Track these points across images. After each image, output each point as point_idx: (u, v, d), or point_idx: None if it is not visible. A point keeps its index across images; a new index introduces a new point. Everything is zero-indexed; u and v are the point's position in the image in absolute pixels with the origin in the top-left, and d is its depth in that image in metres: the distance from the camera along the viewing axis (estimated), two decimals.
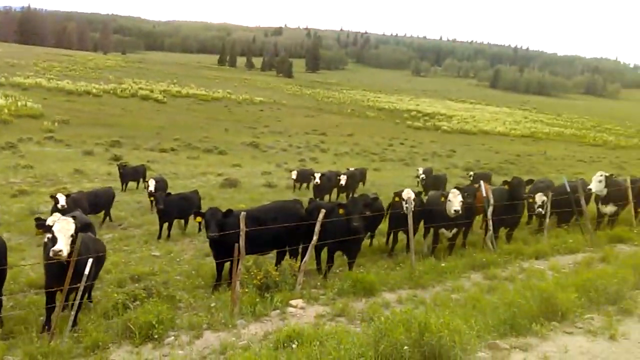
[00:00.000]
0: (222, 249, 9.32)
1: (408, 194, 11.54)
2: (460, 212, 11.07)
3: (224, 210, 9.63)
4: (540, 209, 13.05)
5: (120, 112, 65.10)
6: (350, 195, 21.38)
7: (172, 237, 14.61)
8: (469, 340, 5.09)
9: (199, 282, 9.76)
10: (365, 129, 78.02)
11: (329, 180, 22.26)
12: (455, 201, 10.93)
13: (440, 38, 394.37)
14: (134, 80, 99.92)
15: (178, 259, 11.85)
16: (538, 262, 10.75)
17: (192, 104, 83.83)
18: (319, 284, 9.54)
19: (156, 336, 6.79)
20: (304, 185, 26.41)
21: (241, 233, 8.24)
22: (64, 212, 12.77)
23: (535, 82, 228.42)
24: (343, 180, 21.93)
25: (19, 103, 56.71)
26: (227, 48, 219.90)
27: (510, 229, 13.03)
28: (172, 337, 6.88)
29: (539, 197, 13.12)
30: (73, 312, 7.22)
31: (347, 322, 7.22)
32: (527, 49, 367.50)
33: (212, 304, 8.21)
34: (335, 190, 23.17)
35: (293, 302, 8.09)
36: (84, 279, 7.09)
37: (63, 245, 7.02)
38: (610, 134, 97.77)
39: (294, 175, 25.78)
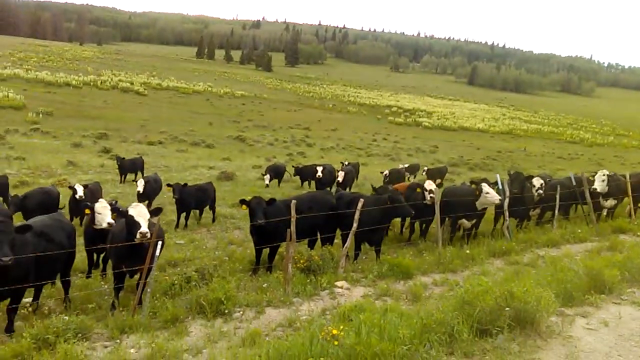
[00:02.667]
0: (264, 235, 9.82)
1: (430, 185, 12.01)
2: (499, 203, 11.89)
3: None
4: (540, 191, 13.54)
5: (102, 104, 64.47)
6: (348, 189, 21.70)
7: (189, 226, 14.89)
8: (547, 305, 5.82)
9: (235, 266, 10.11)
10: (347, 124, 78.61)
11: (330, 174, 22.63)
12: (492, 193, 11.52)
13: (418, 34, 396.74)
14: (112, 72, 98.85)
15: (204, 247, 12.16)
16: (552, 250, 11.39)
17: (173, 96, 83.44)
18: (359, 267, 10.10)
19: (226, 311, 7.38)
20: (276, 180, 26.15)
21: (292, 220, 8.73)
22: (80, 202, 12.98)
23: (512, 79, 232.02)
24: (340, 176, 22.20)
25: (0, 94, 55.88)
26: (205, 41, 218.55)
27: (520, 220, 13.65)
28: (239, 313, 7.42)
29: (537, 181, 13.68)
30: (139, 292, 7.67)
31: (393, 301, 7.68)
32: (504, 46, 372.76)
33: (264, 285, 8.71)
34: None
35: (338, 283, 8.65)
36: (155, 260, 7.51)
37: (146, 228, 7.55)
38: (586, 132, 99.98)
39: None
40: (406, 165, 32.54)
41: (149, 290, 7.43)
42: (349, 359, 4.90)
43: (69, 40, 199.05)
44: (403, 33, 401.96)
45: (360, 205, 9.68)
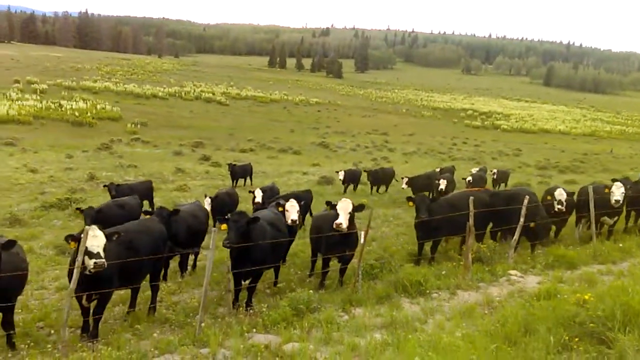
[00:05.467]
0: (427, 230, 10.89)
1: (561, 195, 12.59)
2: (621, 202, 12.50)
3: None
4: (559, 206, 12.99)
5: (188, 114, 67.59)
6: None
7: None
8: None
9: (401, 257, 11.25)
10: (424, 128, 78.65)
11: (428, 179, 23.17)
12: (617, 192, 12.01)
13: (490, 36, 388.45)
14: (193, 83, 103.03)
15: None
16: None
17: (252, 105, 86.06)
18: (528, 258, 11.08)
19: (427, 292, 8.50)
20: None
21: (470, 213, 9.71)
22: (257, 207, 14.27)
23: (590, 79, 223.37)
24: (443, 184, 21.37)
25: (98, 106, 59.87)
26: (276, 50, 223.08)
27: None
28: (436, 294, 8.50)
29: (559, 193, 13.13)
30: (358, 272, 8.99)
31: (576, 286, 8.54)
32: (580, 45, 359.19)
33: (443, 272, 9.68)
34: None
35: (511, 272, 9.58)
36: (362, 247, 8.99)
37: (343, 220, 9.08)
38: None
39: (341, 175, 25.79)
40: (495, 171, 31.72)
41: (359, 273, 8.69)
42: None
43: (147, 53, 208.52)
44: (474, 35, 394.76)
45: (526, 201, 10.50)
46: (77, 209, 13.52)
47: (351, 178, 26.06)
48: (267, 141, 51.48)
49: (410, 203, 11.04)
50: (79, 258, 6.68)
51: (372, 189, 26.13)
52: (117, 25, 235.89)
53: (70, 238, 7.26)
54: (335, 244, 9.53)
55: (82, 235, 6.83)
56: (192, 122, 62.05)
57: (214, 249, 7.13)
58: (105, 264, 6.87)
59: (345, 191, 25.57)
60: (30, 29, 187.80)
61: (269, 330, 6.96)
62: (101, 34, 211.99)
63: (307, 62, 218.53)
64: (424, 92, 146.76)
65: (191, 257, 11.41)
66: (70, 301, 6.68)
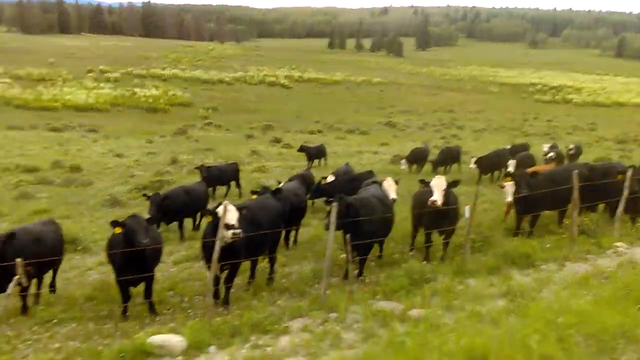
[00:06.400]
0: (528, 205, 10.96)
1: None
2: None
3: None
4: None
5: (254, 98, 68.76)
6: None
7: None
8: None
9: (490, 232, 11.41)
10: (492, 104, 76.92)
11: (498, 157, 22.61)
12: None
13: (555, 8, 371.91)
14: (257, 67, 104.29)
15: None
16: None
17: (315, 87, 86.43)
18: (632, 230, 11.05)
19: (536, 263, 8.69)
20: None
21: (575, 187, 9.59)
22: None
23: None
24: (512, 166, 20.83)
25: (169, 93, 61.90)
26: (335, 31, 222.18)
27: None
28: (544, 265, 8.65)
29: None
30: (467, 245, 9.22)
31: None
32: None
33: (547, 245, 9.79)
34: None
35: (617, 244, 9.55)
36: (469, 221, 9.13)
37: (438, 197, 9.31)
38: None
39: (403, 164, 25.22)
40: (572, 146, 30.64)
41: (468, 245, 8.95)
42: None
43: (210, 39, 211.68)
44: (538, 8, 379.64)
45: (629, 173, 10.34)
46: (144, 195, 13.39)
47: (418, 157, 25.61)
48: (333, 122, 51.83)
49: (509, 179, 11.09)
50: (220, 231, 7.24)
51: (436, 167, 24.85)
52: (180, 13, 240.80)
53: (115, 224, 7.77)
54: (436, 219, 9.80)
55: (218, 210, 7.45)
56: (259, 105, 63.16)
57: (334, 222, 7.51)
58: (242, 234, 7.42)
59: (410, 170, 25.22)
60: (98, 20, 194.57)
61: (389, 298, 7.31)
62: (165, 22, 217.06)
63: (366, 43, 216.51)
64: (489, 68, 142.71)
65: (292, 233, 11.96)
66: (213, 269, 7.25)
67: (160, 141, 35.81)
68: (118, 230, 7.70)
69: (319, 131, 45.58)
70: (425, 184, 9.88)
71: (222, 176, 18.76)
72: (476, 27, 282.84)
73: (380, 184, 11.11)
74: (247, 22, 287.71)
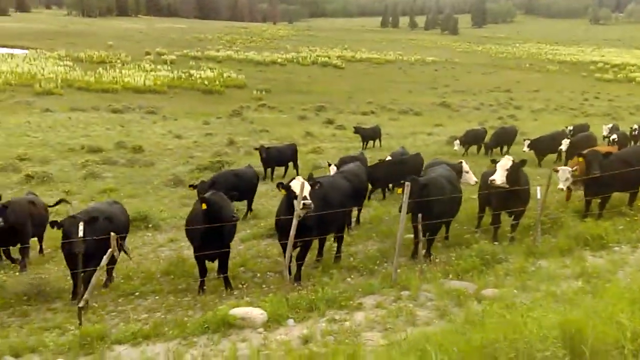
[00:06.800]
0: (598, 186, 10.67)
1: None
2: None
3: None
4: None
5: (307, 79, 68.86)
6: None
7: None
8: None
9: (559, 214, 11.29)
10: (550, 83, 74.48)
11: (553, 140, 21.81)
12: None
13: None
14: (309, 48, 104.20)
15: None
16: None
17: (367, 67, 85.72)
18: None
19: (609, 245, 8.62)
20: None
21: None
22: None
23: None
24: (564, 145, 20.13)
25: (225, 75, 62.76)
26: (388, 9, 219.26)
27: None
28: (617, 247, 8.57)
29: None
30: (537, 227, 9.24)
31: None
32: None
33: (620, 227, 9.66)
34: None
35: None
36: (542, 202, 9.12)
37: (498, 176, 9.29)
38: None
39: (456, 146, 24.55)
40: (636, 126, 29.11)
41: (539, 226, 8.94)
42: None
43: (263, 20, 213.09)
44: None
45: None
46: (190, 185, 12.45)
47: (474, 139, 24.93)
48: (386, 103, 51.43)
49: (580, 159, 10.82)
50: (297, 207, 7.47)
51: (489, 150, 24.16)
52: None
53: (202, 200, 7.99)
54: (506, 200, 9.69)
55: (292, 185, 7.71)
56: (311, 86, 63.23)
57: (406, 202, 7.57)
58: (312, 205, 7.64)
59: (466, 152, 24.51)
60: (154, 2, 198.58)
61: (461, 278, 7.38)
62: (219, 4, 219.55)
63: (420, 20, 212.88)
64: (548, 45, 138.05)
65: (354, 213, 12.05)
66: (290, 245, 7.48)
67: (216, 122, 36.42)
68: (204, 206, 7.93)
69: (372, 112, 45.32)
70: (495, 163, 9.81)
71: (280, 157, 19.04)
72: (535, 3, 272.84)
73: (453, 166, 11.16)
74: (300, 2, 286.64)
